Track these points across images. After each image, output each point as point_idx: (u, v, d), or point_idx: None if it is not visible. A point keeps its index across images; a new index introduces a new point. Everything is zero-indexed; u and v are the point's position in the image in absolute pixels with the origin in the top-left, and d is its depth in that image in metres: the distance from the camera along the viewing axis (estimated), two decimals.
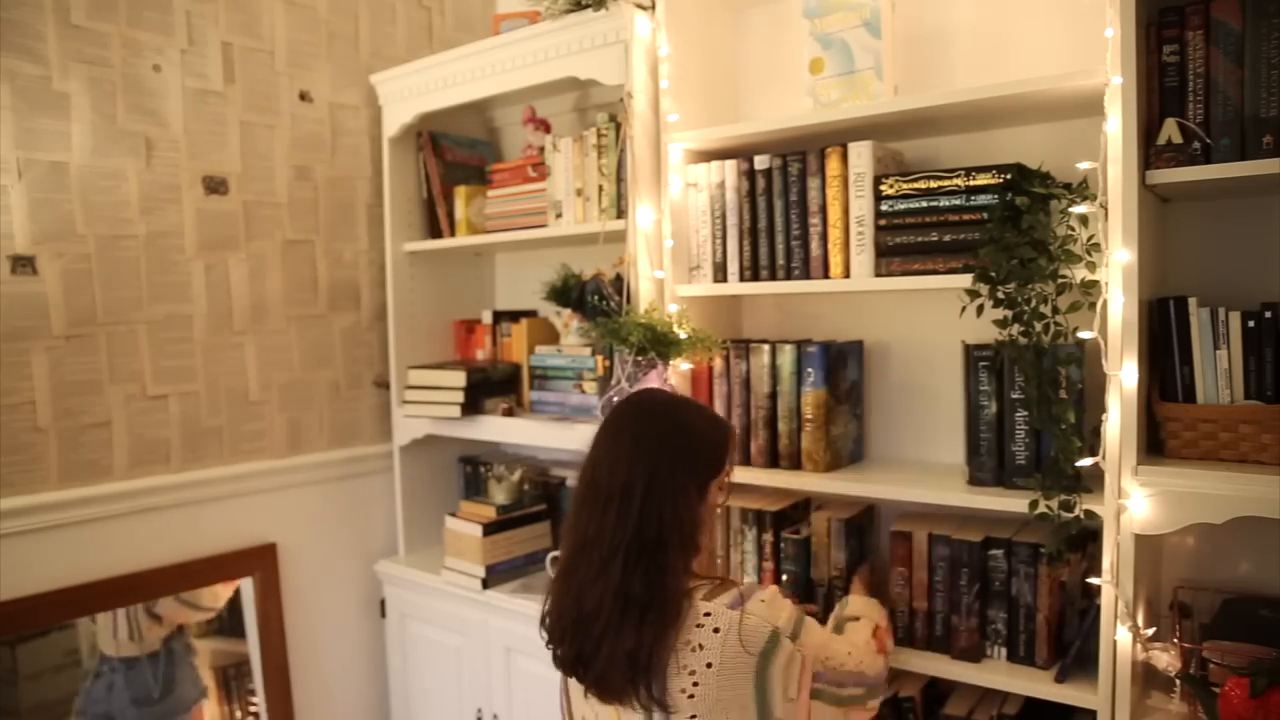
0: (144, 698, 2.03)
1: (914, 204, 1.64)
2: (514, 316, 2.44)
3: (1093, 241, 1.42)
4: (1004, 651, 1.62)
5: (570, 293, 2.14)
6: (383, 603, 2.50)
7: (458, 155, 2.48)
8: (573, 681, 1.35)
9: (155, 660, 2.05)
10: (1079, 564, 1.60)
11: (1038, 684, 1.53)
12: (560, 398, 2.17)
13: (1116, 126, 1.37)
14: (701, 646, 1.23)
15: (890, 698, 1.71)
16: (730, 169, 1.87)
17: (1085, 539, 1.58)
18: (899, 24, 1.79)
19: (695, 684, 1.22)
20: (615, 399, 1.82)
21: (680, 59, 1.94)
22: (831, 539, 1.80)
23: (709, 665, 1.22)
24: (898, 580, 1.71)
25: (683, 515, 1.30)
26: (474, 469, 2.59)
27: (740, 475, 1.89)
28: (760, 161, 1.83)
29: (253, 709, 2.24)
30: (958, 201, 1.60)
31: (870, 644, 1.48)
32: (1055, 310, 1.46)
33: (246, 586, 2.23)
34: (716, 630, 1.23)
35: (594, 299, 2.03)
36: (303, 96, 2.33)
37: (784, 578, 1.85)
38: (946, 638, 1.66)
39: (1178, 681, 1.45)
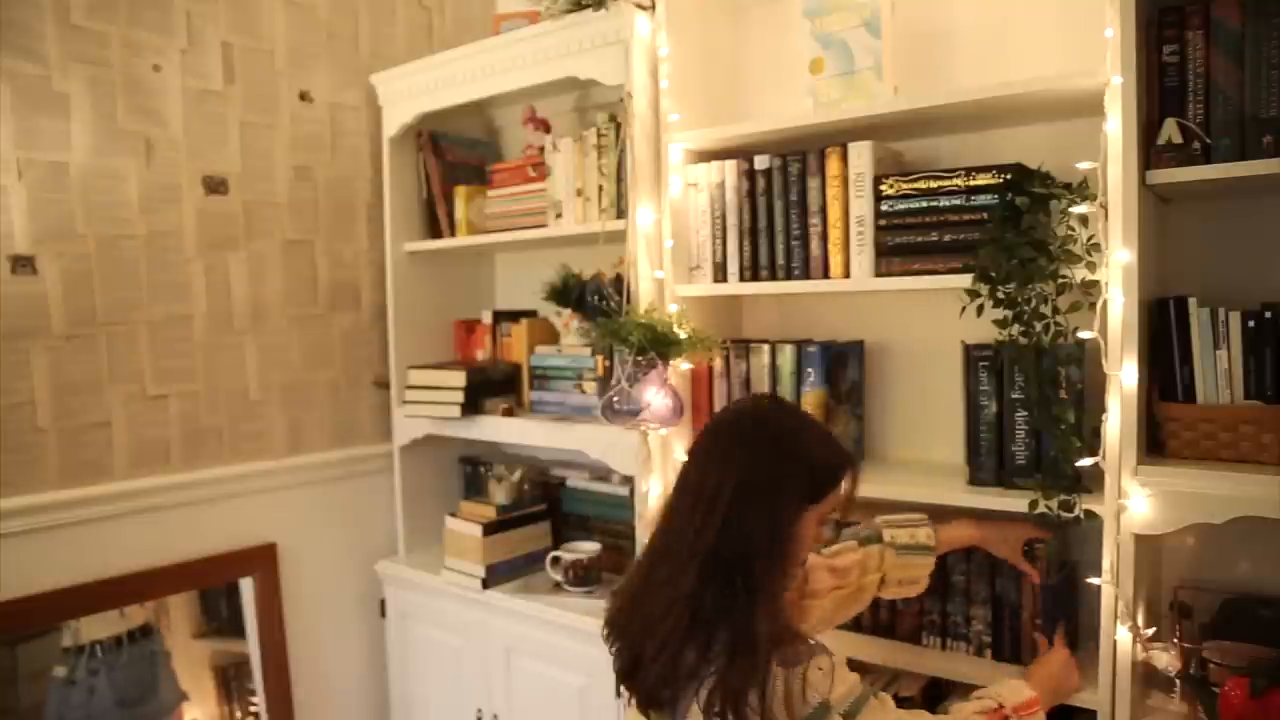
0: (121, 700, 2.01)
1: (914, 204, 1.64)
2: (514, 316, 2.44)
3: (1093, 241, 1.42)
4: (990, 650, 1.65)
5: (570, 293, 2.14)
6: (383, 603, 2.50)
7: (458, 155, 2.48)
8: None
9: (128, 659, 2.04)
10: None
11: None
12: (560, 398, 2.17)
13: (1116, 126, 1.37)
14: None
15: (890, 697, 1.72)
16: (730, 169, 1.87)
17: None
18: (899, 24, 1.78)
19: None
20: (615, 400, 1.82)
21: (680, 59, 1.94)
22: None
23: None
24: None
25: (773, 532, 1.19)
26: (474, 469, 2.59)
27: None
28: (760, 161, 1.83)
29: (253, 709, 2.24)
30: (958, 201, 1.60)
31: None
32: (1055, 310, 1.46)
33: (246, 586, 2.23)
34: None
35: (594, 299, 2.04)
36: (303, 96, 2.33)
37: None
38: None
39: (1178, 681, 1.45)
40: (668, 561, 1.22)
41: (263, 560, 2.24)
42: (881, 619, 1.75)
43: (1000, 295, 1.47)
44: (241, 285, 2.21)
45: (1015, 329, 1.47)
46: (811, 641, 1.17)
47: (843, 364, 1.87)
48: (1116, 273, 1.37)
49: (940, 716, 1.29)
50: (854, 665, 1.48)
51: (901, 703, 1.69)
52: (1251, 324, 1.37)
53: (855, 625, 1.75)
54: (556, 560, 2.14)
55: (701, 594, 1.16)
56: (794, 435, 1.26)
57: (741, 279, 1.87)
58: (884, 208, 1.68)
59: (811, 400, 1.80)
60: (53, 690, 1.94)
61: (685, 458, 1.31)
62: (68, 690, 1.95)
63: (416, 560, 2.44)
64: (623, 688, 1.28)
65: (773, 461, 1.22)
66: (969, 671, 1.62)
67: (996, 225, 1.49)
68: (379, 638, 2.52)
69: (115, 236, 1.98)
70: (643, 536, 1.92)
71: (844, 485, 1.28)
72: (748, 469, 1.20)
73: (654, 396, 1.80)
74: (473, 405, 2.25)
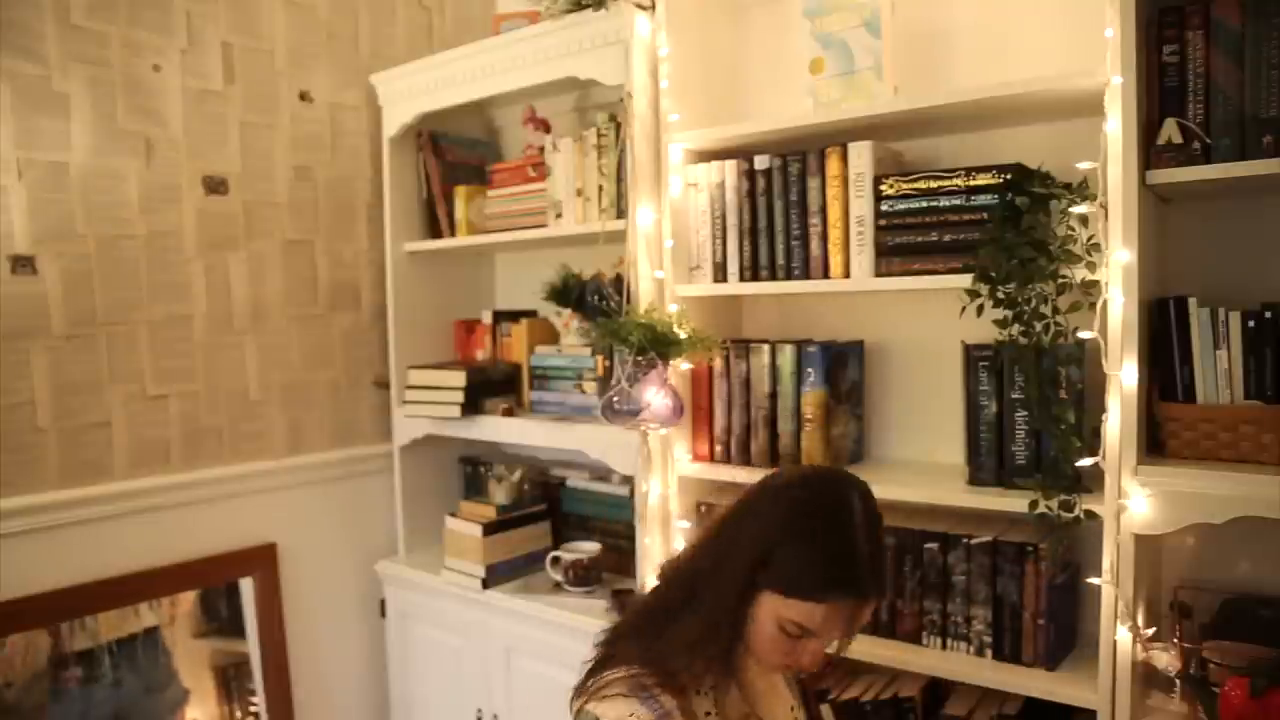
0: (122, 698, 2.01)
1: (914, 204, 1.64)
2: (514, 316, 2.44)
3: (1093, 241, 1.42)
4: (990, 650, 1.63)
5: (570, 293, 2.14)
6: (383, 603, 2.50)
7: (458, 155, 2.48)
8: None
9: (129, 658, 2.03)
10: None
11: (1037, 682, 1.54)
12: (560, 398, 2.17)
13: (1116, 126, 1.37)
14: None
15: (890, 697, 1.72)
16: (730, 169, 1.87)
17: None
18: (899, 24, 1.78)
19: None
20: (615, 400, 1.82)
21: (680, 59, 1.94)
22: None
23: None
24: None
25: (722, 579, 1.14)
26: (474, 469, 2.59)
27: (741, 475, 1.89)
28: (760, 161, 1.83)
29: (253, 709, 2.24)
30: (958, 202, 1.60)
31: None
32: (1055, 310, 1.46)
33: (246, 586, 2.23)
34: None
35: (594, 299, 2.04)
36: (303, 96, 2.33)
37: None
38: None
39: (1178, 681, 1.45)
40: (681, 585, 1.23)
41: (263, 560, 2.24)
42: (882, 618, 1.74)
43: (1000, 295, 1.47)
44: (241, 285, 2.21)
45: (1015, 329, 1.47)
46: (654, 695, 1.12)
47: (843, 364, 1.87)
48: (1116, 273, 1.37)
49: None
50: (855, 664, 1.47)
51: (902, 703, 1.71)
52: (1251, 324, 1.37)
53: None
54: (556, 560, 2.14)
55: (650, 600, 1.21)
56: (804, 512, 1.15)
57: (741, 279, 1.87)
58: (884, 208, 1.68)
59: (811, 400, 1.80)
60: (58, 690, 1.93)
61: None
62: (73, 690, 1.95)
63: (416, 560, 2.44)
64: None
65: (763, 526, 1.15)
66: (969, 671, 1.62)
67: (996, 225, 1.49)
68: (379, 638, 2.52)
69: (115, 236, 1.98)
70: (643, 536, 1.92)
71: (823, 609, 1.10)
72: (738, 523, 1.19)
73: (654, 396, 1.80)
74: (473, 405, 2.25)
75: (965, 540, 1.64)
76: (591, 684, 1.18)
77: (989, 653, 1.63)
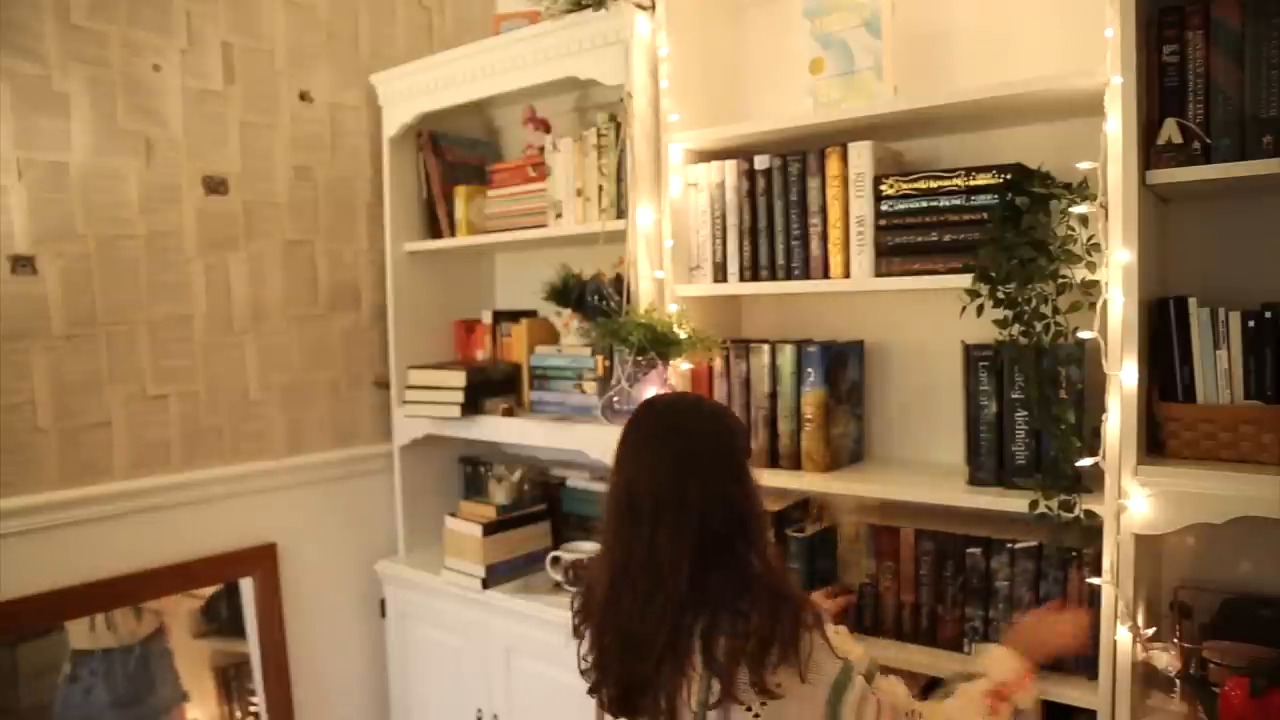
0: (122, 700, 2.01)
1: (914, 204, 1.64)
2: (514, 316, 2.44)
3: (1093, 241, 1.42)
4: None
5: (570, 293, 2.14)
6: (383, 603, 2.50)
7: (458, 155, 2.48)
8: None
9: (131, 659, 2.03)
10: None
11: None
12: (560, 398, 2.17)
13: (1116, 126, 1.37)
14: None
15: None
16: (730, 169, 1.87)
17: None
18: (899, 24, 1.78)
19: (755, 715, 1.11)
20: (615, 400, 1.82)
21: (680, 59, 1.94)
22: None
23: (763, 702, 1.10)
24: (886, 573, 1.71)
25: (748, 506, 1.22)
26: (474, 469, 2.59)
27: None
28: (760, 161, 1.83)
29: (253, 709, 2.24)
30: (958, 202, 1.60)
31: (980, 704, 1.26)
32: (1055, 310, 1.46)
33: (246, 586, 2.23)
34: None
35: (594, 299, 2.03)
36: (303, 96, 2.33)
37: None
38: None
39: (1178, 681, 1.45)
40: (641, 579, 1.18)
41: (263, 560, 2.24)
42: (922, 625, 1.71)
43: (1000, 295, 1.47)
44: (241, 285, 2.21)
45: (1015, 329, 1.47)
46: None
47: (843, 364, 1.87)
48: (1116, 273, 1.37)
49: (945, 702, 1.29)
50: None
51: None
52: (1251, 324, 1.37)
53: (896, 631, 1.73)
54: (556, 560, 2.14)
55: (703, 584, 1.15)
56: (712, 414, 1.33)
57: (741, 279, 1.87)
58: (884, 208, 1.68)
59: (811, 400, 1.80)
60: (59, 689, 1.94)
61: (618, 478, 1.28)
62: (73, 689, 1.95)
63: (416, 560, 2.44)
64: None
65: (715, 443, 1.26)
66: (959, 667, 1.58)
67: (996, 225, 1.49)
68: (379, 638, 2.52)
69: (115, 236, 1.98)
70: None
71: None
72: (698, 464, 1.21)
73: None
74: (473, 405, 2.25)
75: (1009, 545, 1.61)
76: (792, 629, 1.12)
77: None
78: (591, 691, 1.28)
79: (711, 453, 1.24)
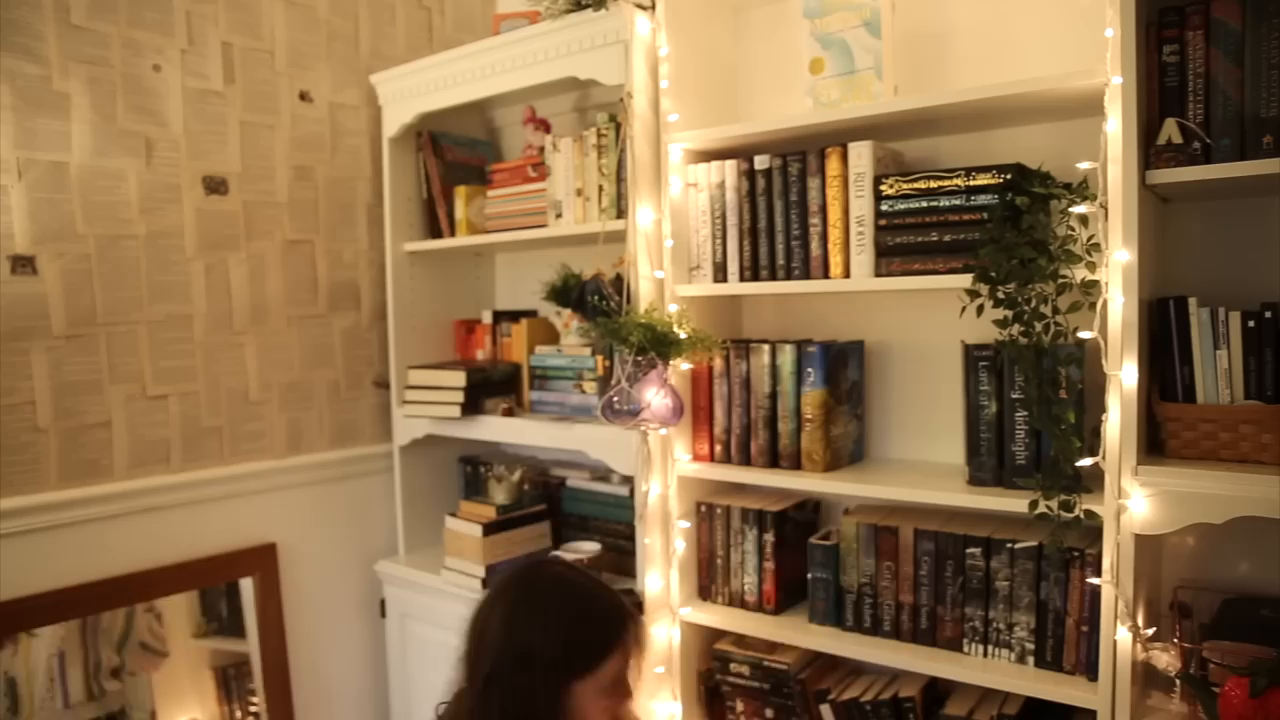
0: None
1: (914, 204, 1.64)
2: (514, 316, 2.44)
3: (1093, 241, 1.42)
4: (1033, 658, 1.59)
5: (570, 293, 2.14)
6: (383, 603, 2.50)
7: (458, 155, 2.48)
8: None
9: None
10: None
11: (1036, 683, 1.54)
12: (560, 398, 2.17)
13: (1116, 126, 1.37)
14: None
15: (890, 697, 1.72)
16: (730, 169, 1.87)
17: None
18: (899, 24, 1.79)
19: None
20: (615, 400, 1.82)
21: (680, 59, 1.94)
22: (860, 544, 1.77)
23: None
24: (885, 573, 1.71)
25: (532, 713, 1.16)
26: (474, 469, 2.59)
27: (740, 475, 1.89)
28: (760, 161, 1.83)
29: (253, 709, 2.24)
30: (958, 201, 1.60)
31: None
32: (1055, 310, 1.46)
33: (246, 586, 2.23)
34: None
35: (594, 299, 2.03)
36: (303, 96, 2.33)
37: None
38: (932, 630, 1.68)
39: (1178, 681, 1.45)
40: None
41: (263, 560, 2.24)
42: (921, 625, 1.70)
43: (1000, 295, 1.47)
44: (241, 285, 2.21)
45: (1015, 329, 1.47)
46: None
47: (843, 364, 1.87)
48: (1116, 273, 1.37)
49: None
50: (857, 665, 1.45)
51: (902, 702, 1.71)
52: (1251, 324, 1.37)
53: (895, 632, 1.72)
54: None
55: None
56: (553, 603, 1.23)
57: (741, 279, 1.87)
58: (884, 208, 1.68)
59: (811, 400, 1.80)
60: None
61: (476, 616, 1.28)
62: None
63: (416, 560, 2.44)
64: None
65: (531, 632, 1.20)
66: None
67: (996, 225, 1.49)
68: (379, 638, 2.52)
69: (115, 236, 1.98)
70: (643, 536, 1.92)
71: (619, 651, 1.23)
72: (501, 648, 1.20)
73: (654, 396, 1.80)
74: (473, 405, 2.25)
75: (1009, 545, 1.61)
76: None
77: (1031, 659, 1.58)
78: None
79: (522, 644, 1.20)
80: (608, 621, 1.25)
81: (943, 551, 1.67)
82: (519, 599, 1.25)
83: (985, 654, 1.64)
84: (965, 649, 1.66)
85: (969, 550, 1.64)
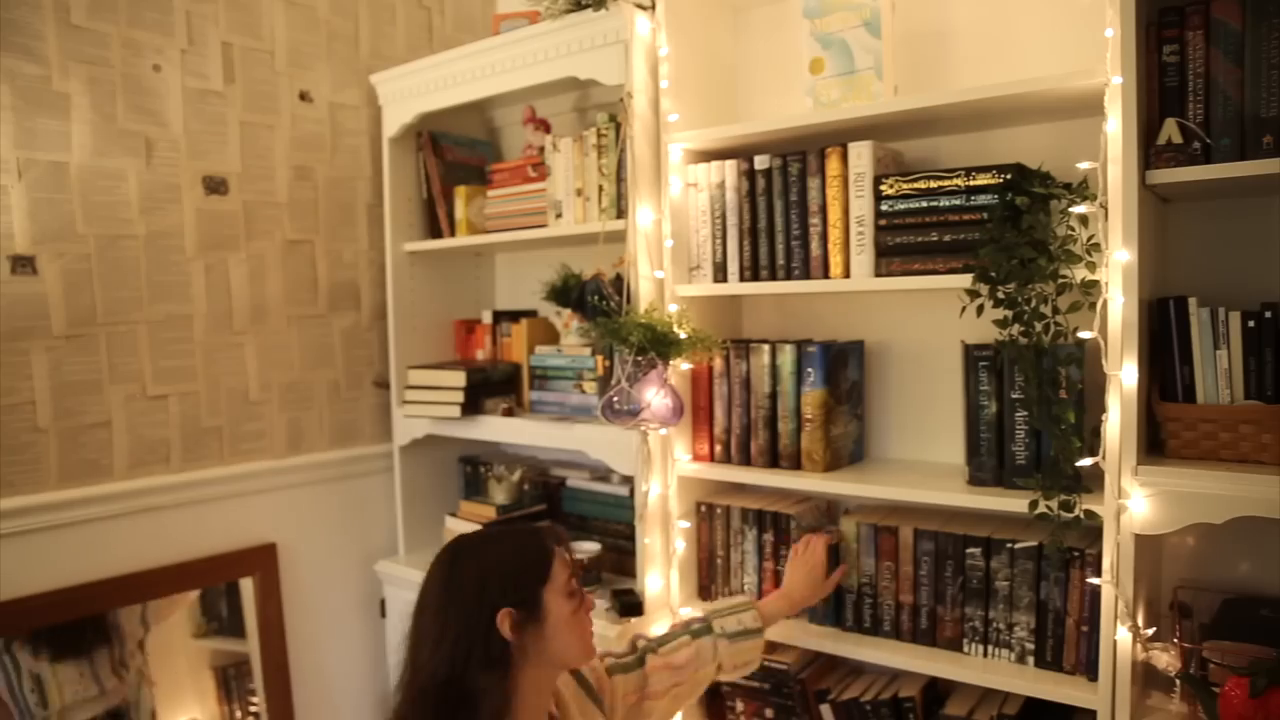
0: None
1: (914, 204, 1.64)
2: (514, 316, 2.44)
3: (1093, 241, 1.42)
4: (1033, 657, 1.59)
5: (570, 293, 2.14)
6: (383, 603, 2.50)
7: (458, 155, 2.48)
8: None
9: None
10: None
11: (1036, 683, 1.54)
12: (560, 398, 2.17)
13: (1116, 126, 1.37)
14: None
15: (890, 697, 1.72)
16: (730, 169, 1.87)
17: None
18: (899, 24, 1.79)
19: None
20: (615, 400, 1.82)
21: (680, 59, 1.94)
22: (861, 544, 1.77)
23: None
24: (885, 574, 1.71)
25: (472, 640, 1.23)
26: (474, 469, 2.59)
27: (740, 475, 1.89)
28: (760, 161, 1.83)
29: (253, 709, 2.24)
30: (958, 201, 1.60)
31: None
32: (1055, 310, 1.46)
33: (246, 586, 2.23)
34: None
35: (594, 299, 2.03)
36: (303, 96, 2.33)
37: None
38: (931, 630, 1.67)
39: (1178, 681, 1.45)
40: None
41: (263, 560, 2.24)
42: (921, 625, 1.70)
43: (1000, 295, 1.47)
44: (241, 285, 2.21)
45: (1015, 329, 1.47)
46: None
47: (843, 364, 1.87)
48: (1116, 273, 1.37)
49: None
50: (856, 665, 1.47)
51: (902, 702, 1.71)
52: (1251, 324, 1.37)
53: (895, 632, 1.72)
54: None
55: None
56: (483, 548, 1.32)
57: (741, 279, 1.87)
58: (884, 208, 1.68)
59: (811, 400, 1.80)
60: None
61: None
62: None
63: (416, 560, 2.44)
64: None
65: (479, 572, 1.28)
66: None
67: (996, 225, 1.49)
68: (379, 638, 2.52)
69: (115, 236, 1.98)
70: (643, 536, 1.92)
71: (559, 551, 1.35)
72: (459, 595, 1.26)
73: (654, 396, 1.80)
74: (473, 405, 2.25)
75: (1009, 545, 1.60)
76: None
77: (1031, 659, 1.58)
78: None
79: (474, 602, 1.26)
80: (533, 535, 1.36)
81: (943, 551, 1.67)
82: (448, 565, 1.32)
83: (985, 654, 1.64)
84: (965, 649, 1.66)
85: (969, 550, 1.64)
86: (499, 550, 1.32)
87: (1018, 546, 1.59)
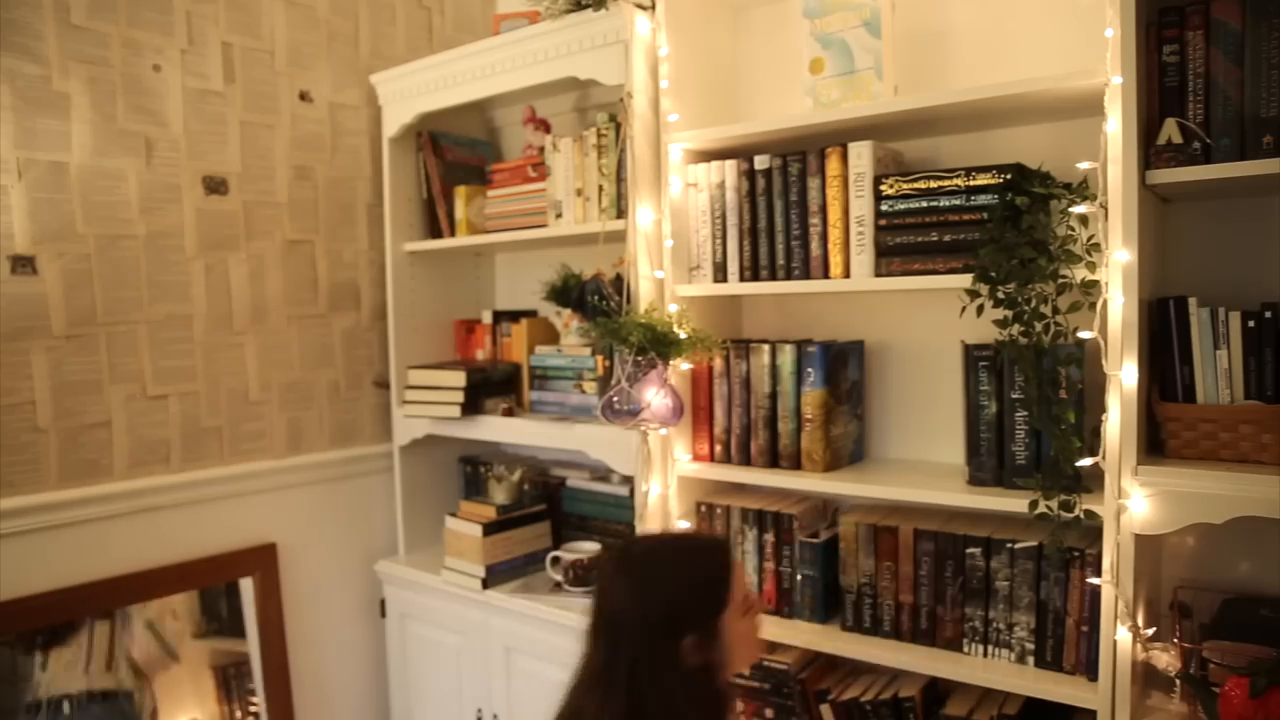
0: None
1: (914, 204, 1.64)
2: (514, 316, 2.44)
3: (1093, 241, 1.42)
4: (1033, 657, 1.58)
5: (570, 293, 2.14)
6: (383, 603, 2.50)
7: (458, 155, 2.48)
8: None
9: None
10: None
11: (1036, 683, 1.54)
12: (560, 398, 2.17)
13: (1116, 126, 1.37)
14: None
15: (890, 697, 1.72)
16: (730, 169, 1.87)
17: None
18: (899, 24, 1.79)
19: None
20: (615, 400, 1.82)
21: (680, 59, 1.94)
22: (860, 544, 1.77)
23: None
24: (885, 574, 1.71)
25: (675, 695, 1.19)
26: (474, 469, 2.59)
27: (740, 475, 1.89)
28: (760, 161, 1.83)
29: (253, 709, 2.24)
30: (958, 201, 1.60)
31: None
32: (1055, 310, 1.46)
33: (246, 586, 2.23)
34: None
35: (594, 299, 2.04)
36: (303, 96, 2.33)
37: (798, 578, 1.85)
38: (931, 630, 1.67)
39: (1178, 681, 1.45)
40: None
41: (263, 560, 2.24)
42: (921, 625, 1.70)
43: (1000, 295, 1.47)
44: (241, 285, 2.21)
45: (1015, 329, 1.47)
46: None
47: (843, 364, 1.87)
48: (1116, 273, 1.37)
49: None
50: (854, 664, 1.47)
51: (902, 702, 1.71)
52: (1251, 324, 1.37)
53: (895, 632, 1.73)
54: (556, 560, 2.14)
55: None
56: (662, 578, 1.28)
57: (741, 279, 1.87)
58: (884, 208, 1.68)
59: (811, 400, 1.80)
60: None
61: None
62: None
63: (416, 560, 2.44)
64: None
65: (654, 616, 1.23)
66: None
67: (996, 225, 1.49)
68: (379, 638, 2.52)
69: (115, 236, 1.98)
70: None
71: (735, 578, 1.31)
72: (631, 642, 1.22)
73: (654, 396, 1.80)
74: (473, 405, 2.25)
75: (1009, 545, 1.60)
76: None
77: (1031, 659, 1.58)
78: None
79: (650, 627, 1.22)
80: (711, 552, 1.34)
81: (942, 551, 1.67)
82: (629, 578, 1.29)
83: (985, 654, 1.64)
84: (965, 649, 1.66)
85: (969, 550, 1.64)
86: (677, 572, 1.29)
87: (1018, 546, 1.59)
